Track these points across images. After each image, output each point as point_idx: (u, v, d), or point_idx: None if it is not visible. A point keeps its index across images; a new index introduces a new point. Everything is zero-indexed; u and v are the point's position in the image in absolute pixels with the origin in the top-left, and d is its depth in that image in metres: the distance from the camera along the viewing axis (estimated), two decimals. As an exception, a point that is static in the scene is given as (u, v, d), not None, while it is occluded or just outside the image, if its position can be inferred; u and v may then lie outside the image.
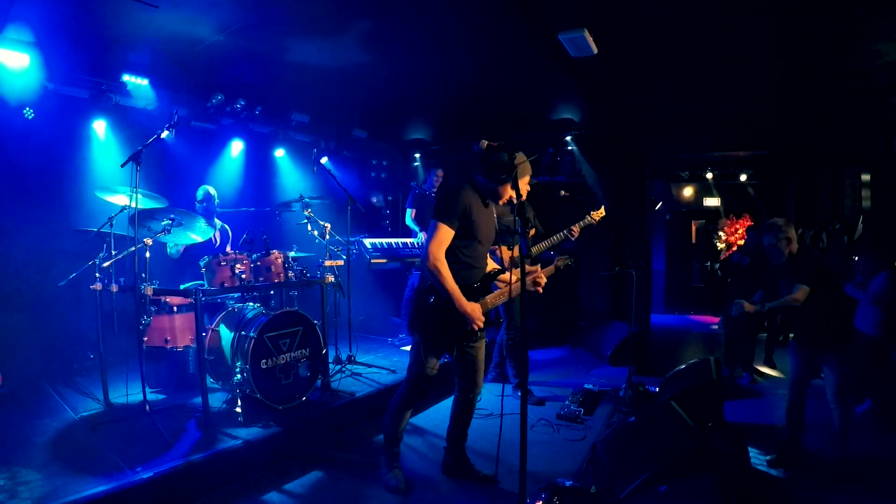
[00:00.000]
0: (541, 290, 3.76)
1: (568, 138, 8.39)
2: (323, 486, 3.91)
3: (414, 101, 7.69)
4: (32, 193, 5.65)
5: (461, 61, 5.97)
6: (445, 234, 3.37)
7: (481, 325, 3.46)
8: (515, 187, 3.10)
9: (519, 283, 3.15)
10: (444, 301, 3.40)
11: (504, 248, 4.25)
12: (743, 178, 11.15)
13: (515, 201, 3.33)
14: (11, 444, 3.90)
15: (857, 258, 6.01)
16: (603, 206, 5.53)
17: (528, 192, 3.74)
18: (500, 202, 3.63)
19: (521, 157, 3.39)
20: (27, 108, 5.44)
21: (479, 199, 3.54)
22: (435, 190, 7.55)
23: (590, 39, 4.98)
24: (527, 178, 3.61)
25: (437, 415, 5.26)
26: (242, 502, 3.64)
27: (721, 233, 11.42)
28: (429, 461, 4.30)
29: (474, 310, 3.42)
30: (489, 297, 3.63)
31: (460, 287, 3.40)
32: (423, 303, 3.54)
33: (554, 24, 4.84)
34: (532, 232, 5.64)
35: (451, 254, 3.43)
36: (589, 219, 5.43)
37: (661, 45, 5.37)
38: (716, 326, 10.32)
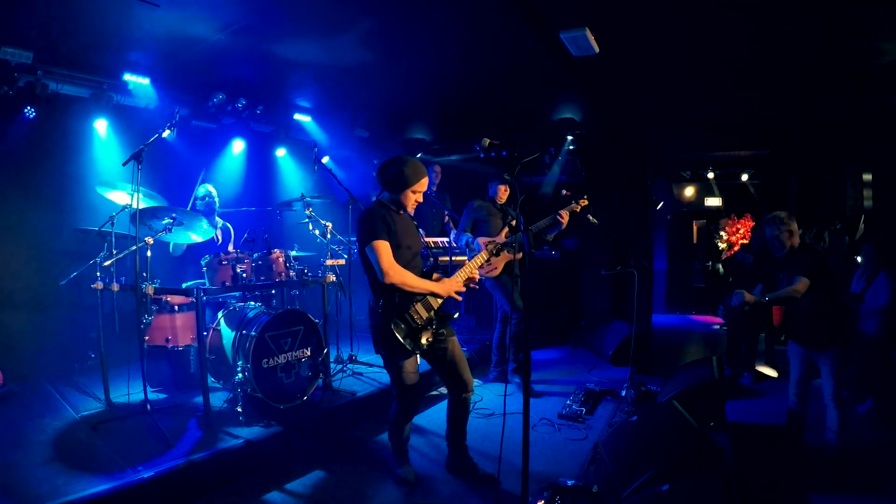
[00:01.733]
0: (474, 284, 3.80)
1: (569, 138, 8.38)
2: (324, 486, 3.89)
3: (415, 101, 7.69)
4: (34, 193, 5.67)
5: (462, 60, 5.97)
6: (386, 247, 3.50)
7: (462, 290, 3.64)
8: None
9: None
10: (390, 303, 3.50)
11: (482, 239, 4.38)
12: (744, 177, 11.14)
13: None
14: (12, 442, 3.91)
15: (859, 258, 6.01)
16: (586, 196, 5.85)
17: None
18: (409, 210, 3.76)
19: (413, 167, 3.62)
20: (28, 108, 5.45)
21: (391, 211, 3.67)
22: (434, 187, 7.58)
23: (591, 38, 4.98)
24: (422, 184, 3.69)
25: (439, 414, 5.23)
26: (244, 502, 3.63)
27: (722, 232, 11.41)
28: (431, 460, 4.29)
29: (445, 284, 3.61)
30: (455, 276, 3.74)
31: (402, 294, 3.52)
32: (374, 314, 3.62)
33: (555, 22, 4.84)
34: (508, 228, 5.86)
35: None
36: (573, 206, 5.79)
37: (662, 44, 5.37)
38: (717, 326, 10.31)
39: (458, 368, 3.78)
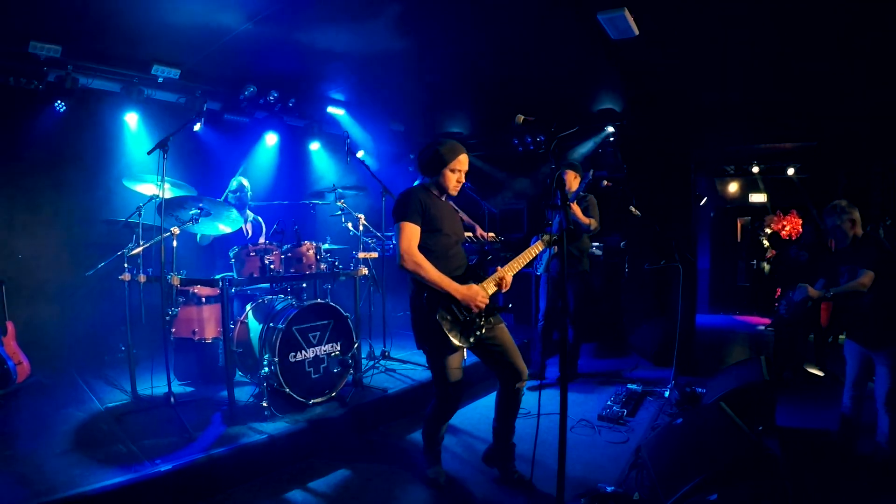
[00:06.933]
0: (507, 286, 3.48)
1: (610, 129, 8.12)
2: (350, 486, 3.73)
3: (451, 94, 7.54)
4: (65, 185, 5.72)
5: (498, 48, 5.77)
6: (411, 230, 3.31)
7: (484, 304, 3.32)
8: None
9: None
10: (434, 294, 3.27)
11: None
12: (790, 172, 10.65)
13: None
14: (34, 432, 3.89)
15: None
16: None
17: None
18: (451, 192, 3.56)
19: (449, 146, 3.45)
20: (59, 102, 5.46)
21: (432, 195, 3.50)
22: (468, 184, 7.40)
23: (630, 19, 4.71)
24: (459, 161, 3.49)
25: (474, 413, 5.05)
26: (264, 499, 3.50)
27: (768, 230, 10.95)
28: (463, 461, 4.09)
29: (470, 290, 3.29)
30: (486, 282, 3.43)
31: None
32: (417, 305, 3.39)
33: (592, 2, 4.59)
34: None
35: (422, 251, 3.33)
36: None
37: (705, 25, 5.05)
38: (763, 327, 9.90)
39: (510, 356, 3.52)
